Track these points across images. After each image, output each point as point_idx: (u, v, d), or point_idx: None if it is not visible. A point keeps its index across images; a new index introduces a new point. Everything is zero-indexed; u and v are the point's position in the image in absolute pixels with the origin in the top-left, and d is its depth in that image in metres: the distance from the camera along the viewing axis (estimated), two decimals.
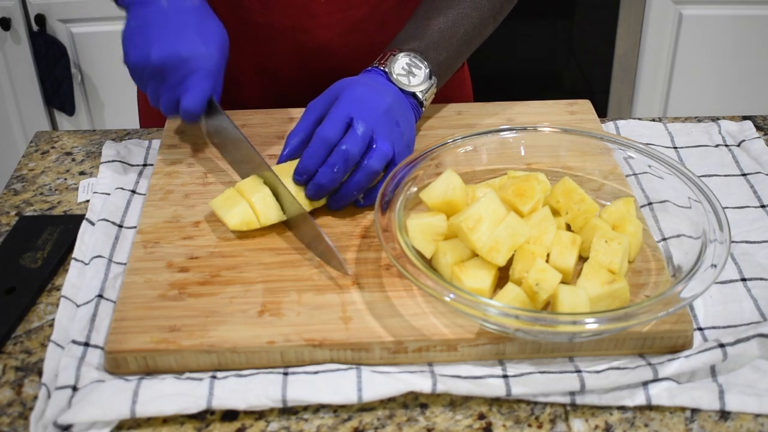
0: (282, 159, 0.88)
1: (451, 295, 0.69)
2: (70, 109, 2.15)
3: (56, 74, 2.09)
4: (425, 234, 0.77)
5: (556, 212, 0.82)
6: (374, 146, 0.83)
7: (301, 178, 0.84)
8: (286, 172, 0.85)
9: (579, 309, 0.70)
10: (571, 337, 0.71)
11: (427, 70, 0.91)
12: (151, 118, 1.17)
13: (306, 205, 0.84)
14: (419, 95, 0.91)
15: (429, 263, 0.77)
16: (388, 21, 1.06)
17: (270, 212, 0.82)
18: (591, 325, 0.67)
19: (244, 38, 1.04)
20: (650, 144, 1.00)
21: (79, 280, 0.81)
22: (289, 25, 1.02)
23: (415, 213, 0.80)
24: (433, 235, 0.77)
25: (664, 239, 0.84)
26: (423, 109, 0.92)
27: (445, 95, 1.15)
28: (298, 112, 1.02)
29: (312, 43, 1.03)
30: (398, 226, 0.76)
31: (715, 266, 0.71)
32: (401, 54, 0.91)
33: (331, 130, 0.83)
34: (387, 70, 0.90)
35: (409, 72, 0.91)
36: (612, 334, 0.72)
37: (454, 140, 0.87)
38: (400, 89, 0.90)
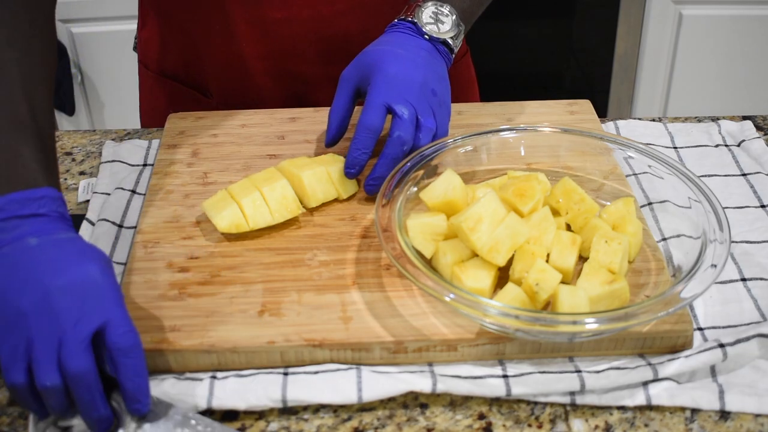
0: (329, 139, 0.89)
1: (451, 295, 0.69)
2: (70, 109, 2.15)
3: (56, 74, 2.09)
4: (425, 234, 0.77)
5: (556, 212, 0.82)
6: (420, 125, 0.85)
7: (353, 170, 0.85)
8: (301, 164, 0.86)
9: (579, 309, 0.70)
10: (571, 337, 0.71)
11: (454, 17, 0.92)
12: (152, 117, 1.17)
13: (340, 194, 0.87)
14: (450, 42, 0.92)
15: (429, 263, 0.77)
16: (402, 4, 1.06)
17: (259, 216, 0.82)
18: (591, 325, 0.67)
19: (262, 38, 1.03)
20: (650, 144, 1.00)
21: None
22: (308, 16, 1.02)
23: (415, 213, 0.80)
24: (433, 235, 0.77)
25: (664, 239, 0.84)
26: (453, 56, 0.93)
27: (451, 81, 1.15)
28: (299, 112, 1.02)
29: (331, 33, 1.04)
30: (398, 226, 0.76)
31: (715, 266, 0.71)
32: (428, 3, 0.92)
33: (375, 119, 0.84)
34: (416, 20, 0.91)
35: (437, 20, 0.92)
36: (612, 335, 0.72)
37: (455, 140, 0.87)
38: (431, 38, 0.91)
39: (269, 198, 0.82)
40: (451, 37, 0.92)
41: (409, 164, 0.83)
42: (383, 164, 0.84)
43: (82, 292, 0.63)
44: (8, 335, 0.62)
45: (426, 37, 0.91)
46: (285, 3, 1.01)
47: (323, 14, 1.03)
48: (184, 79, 1.11)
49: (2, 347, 0.62)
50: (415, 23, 0.91)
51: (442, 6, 0.92)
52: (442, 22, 0.92)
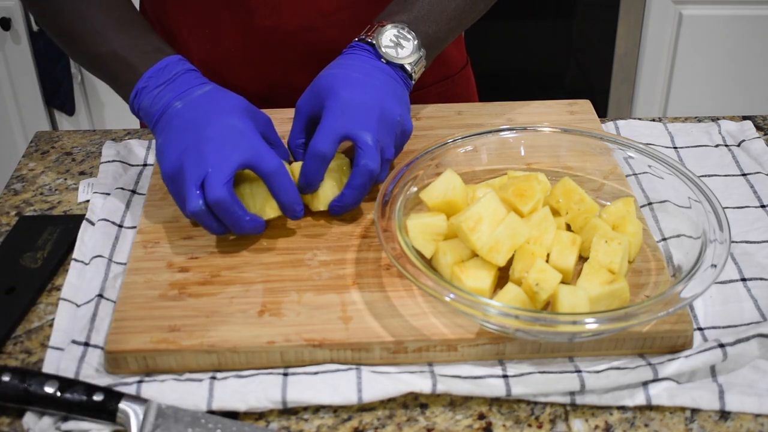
0: (297, 161, 0.88)
1: (451, 295, 0.69)
2: (70, 109, 2.15)
3: (56, 74, 2.09)
4: (425, 234, 0.77)
5: (556, 212, 0.82)
6: (382, 156, 0.83)
7: (308, 190, 0.84)
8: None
9: (579, 309, 0.70)
10: (571, 337, 0.71)
11: (416, 42, 0.88)
12: None
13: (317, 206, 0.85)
14: (407, 67, 0.88)
15: (429, 263, 0.77)
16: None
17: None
18: (591, 325, 0.67)
19: (249, 45, 1.03)
20: (650, 144, 1.00)
21: (79, 281, 0.81)
22: (299, 26, 1.02)
23: (415, 213, 0.80)
24: (433, 235, 0.77)
25: (664, 239, 0.84)
26: (413, 81, 0.90)
27: (449, 95, 1.15)
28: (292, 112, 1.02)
29: (320, 43, 1.03)
30: (398, 226, 0.76)
31: (715, 266, 0.71)
32: (389, 26, 0.89)
33: (325, 146, 0.81)
34: (374, 42, 0.88)
35: (397, 44, 0.88)
36: (612, 335, 0.72)
37: (454, 140, 0.87)
38: (388, 62, 0.88)
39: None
40: (410, 63, 0.88)
41: (409, 164, 0.83)
42: (350, 195, 0.82)
43: (222, 139, 0.79)
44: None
45: (383, 60, 0.88)
46: (274, 11, 1.01)
47: (312, 24, 1.02)
48: None
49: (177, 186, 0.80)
50: (372, 45, 0.88)
51: (403, 29, 0.89)
52: (402, 47, 0.88)
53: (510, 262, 0.76)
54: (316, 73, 1.06)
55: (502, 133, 0.89)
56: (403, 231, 0.76)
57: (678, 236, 0.83)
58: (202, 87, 0.84)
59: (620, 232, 0.79)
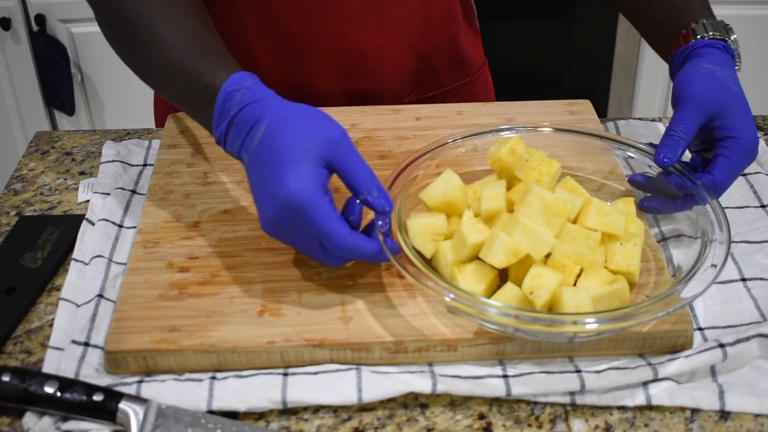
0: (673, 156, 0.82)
1: (451, 295, 0.69)
2: (70, 109, 2.15)
3: (56, 74, 2.09)
4: (425, 234, 0.77)
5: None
6: None
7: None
8: None
9: (582, 309, 0.70)
10: (571, 338, 0.71)
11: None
12: (166, 117, 1.17)
13: None
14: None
15: (429, 263, 0.77)
16: (418, 20, 1.06)
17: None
18: (591, 325, 0.67)
19: (277, 49, 1.03)
20: (650, 144, 1.00)
21: (79, 281, 0.81)
22: (324, 31, 1.01)
23: (415, 213, 0.80)
24: (433, 235, 0.77)
25: (664, 239, 0.84)
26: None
27: (468, 96, 1.15)
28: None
29: (347, 47, 1.03)
30: (398, 226, 0.76)
31: (715, 266, 0.71)
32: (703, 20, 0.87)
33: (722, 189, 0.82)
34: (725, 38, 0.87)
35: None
36: (612, 335, 0.72)
37: (454, 140, 0.87)
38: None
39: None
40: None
41: (409, 164, 0.83)
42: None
43: (286, 226, 0.72)
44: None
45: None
46: (301, 17, 1.00)
47: (339, 30, 1.02)
48: None
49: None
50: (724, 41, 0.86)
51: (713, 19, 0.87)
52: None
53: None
54: (342, 78, 1.05)
55: (502, 133, 0.89)
56: (403, 231, 0.76)
57: (678, 236, 0.83)
58: (258, 127, 0.74)
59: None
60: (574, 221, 0.77)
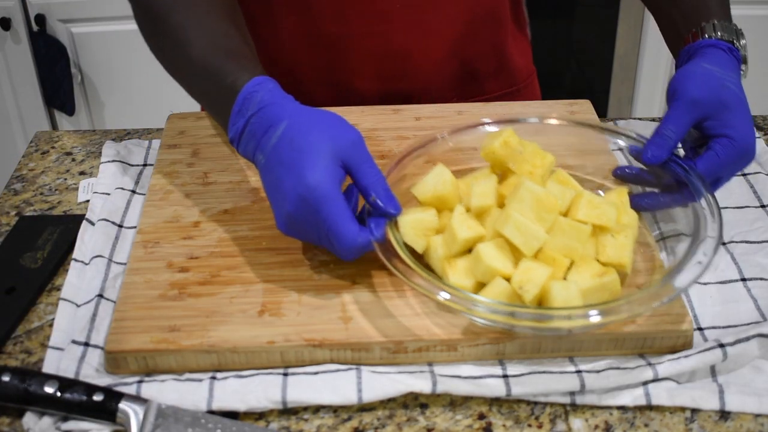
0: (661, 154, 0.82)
1: (442, 293, 0.68)
2: (70, 109, 2.15)
3: (56, 74, 2.09)
4: (416, 230, 0.76)
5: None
6: None
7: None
8: None
9: (572, 304, 0.70)
10: (565, 331, 0.71)
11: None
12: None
13: None
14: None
15: (421, 259, 0.77)
16: (461, 23, 1.05)
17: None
18: (581, 320, 0.67)
19: (315, 49, 1.03)
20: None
21: (79, 281, 0.81)
22: (365, 32, 1.01)
23: (407, 209, 0.79)
24: (424, 231, 0.77)
25: (663, 239, 0.84)
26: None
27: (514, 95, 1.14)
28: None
29: (387, 49, 1.02)
30: (389, 222, 0.76)
31: (706, 255, 0.71)
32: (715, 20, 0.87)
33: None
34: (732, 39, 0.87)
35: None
36: (612, 335, 0.72)
37: (443, 136, 0.87)
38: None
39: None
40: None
41: (398, 161, 0.83)
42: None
43: (301, 221, 0.73)
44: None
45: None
46: (340, 17, 1.00)
47: (379, 30, 1.01)
48: None
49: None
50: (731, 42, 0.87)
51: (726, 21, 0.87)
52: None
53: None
54: (382, 80, 1.04)
55: (488, 126, 0.88)
56: (394, 227, 0.76)
57: (677, 236, 0.83)
58: (275, 129, 0.74)
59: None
60: (566, 214, 0.77)
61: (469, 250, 0.75)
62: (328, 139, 0.73)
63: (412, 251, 0.75)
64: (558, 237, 0.74)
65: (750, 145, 0.81)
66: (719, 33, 0.86)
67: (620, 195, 0.81)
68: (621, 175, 0.86)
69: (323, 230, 0.72)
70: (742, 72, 0.87)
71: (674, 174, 0.81)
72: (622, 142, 0.87)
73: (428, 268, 0.76)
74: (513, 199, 0.74)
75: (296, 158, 0.72)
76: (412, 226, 0.76)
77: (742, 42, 0.87)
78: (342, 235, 0.72)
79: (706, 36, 0.86)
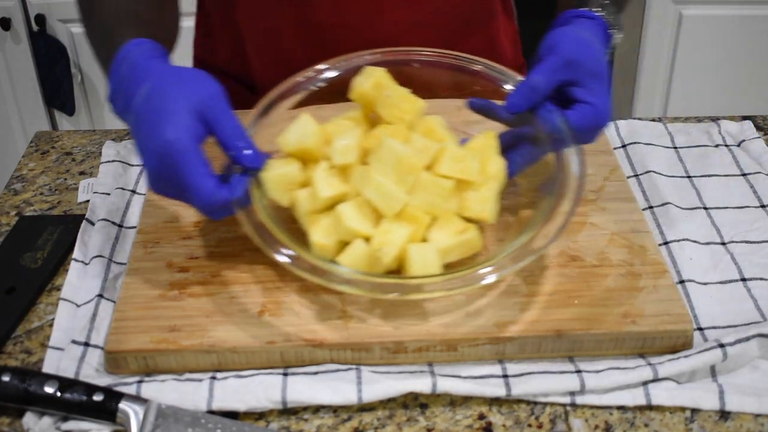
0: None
1: (287, 259, 0.69)
2: (70, 109, 2.15)
3: (56, 74, 2.09)
4: (279, 184, 0.75)
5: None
6: None
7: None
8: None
9: (430, 268, 0.70)
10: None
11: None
12: None
13: None
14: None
15: (289, 212, 0.76)
16: (454, 16, 1.05)
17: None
18: (437, 291, 0.68)
19: (307, 40, 1.03)
20: (650, 144, 1.00)
21: (79, 281, 0.81)
22: (358, 23, 1.02)
23: (271, 162, 0.76)
24: (288, 185, 0.75)
25: (666, 243, 0.84)
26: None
27: None
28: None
29: (380, 40, 1.02)
30: (253, 178, 0.74)
31: (565, 213, 0.71)
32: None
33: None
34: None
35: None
36: (612, 336, 0.72)
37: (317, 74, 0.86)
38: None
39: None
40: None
41: (261, 114, 0.82)
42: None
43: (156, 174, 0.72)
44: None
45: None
46: (336, 8, 1.01)
47: (373, 22, 1.02)
48: (232, 73, 1.11)
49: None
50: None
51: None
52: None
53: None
54: None
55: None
56: (258, 185, 0.74)
57: (680, 240, 0.83)
58: (141, 88, 0.75)
59: (481, 171, 0.76)
60: (430, 167, 0.75)
61: (333, 207, 0.74)
62: (186, 94, 0.73)
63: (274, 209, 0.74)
64: (420, 194, 0.73)
65: (606, 119, 0.80)
66: (594, 7, 0.86)
67: (488, 138, 0.79)
68: (476, 107, 0.84)
69: (182, 186, 0.71)
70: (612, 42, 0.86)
71: (542, 123, 0.78)
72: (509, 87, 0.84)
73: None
74: (374, 159, 0.73)
75: (155, 116, 0.72)
76: (275, 182, 0.75)
77: (617, 16, 0.86)
78: (197, 190, 0.70)
79: (589, 8, 0.86)
